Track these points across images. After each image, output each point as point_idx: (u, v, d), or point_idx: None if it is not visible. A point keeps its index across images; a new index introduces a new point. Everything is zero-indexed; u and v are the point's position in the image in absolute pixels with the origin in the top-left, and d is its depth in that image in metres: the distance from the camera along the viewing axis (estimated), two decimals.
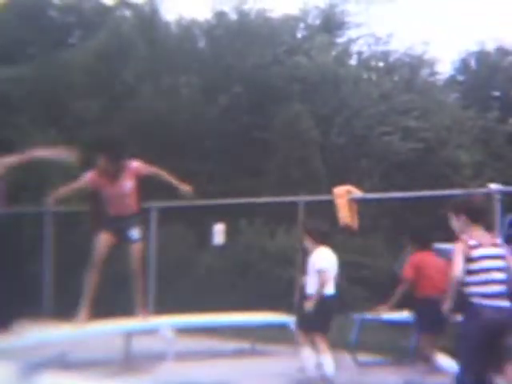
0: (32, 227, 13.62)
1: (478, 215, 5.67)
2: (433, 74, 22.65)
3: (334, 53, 20.65)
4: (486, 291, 5.33)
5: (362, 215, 10.69)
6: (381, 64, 21.73)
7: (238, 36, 19.79)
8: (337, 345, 8.52)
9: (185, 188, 8.00)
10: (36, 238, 13.12)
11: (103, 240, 7.76)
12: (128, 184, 7.67)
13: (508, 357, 5.42)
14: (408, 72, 20.79)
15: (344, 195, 10.22)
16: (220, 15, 20.82)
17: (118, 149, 7.75)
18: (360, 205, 10.62)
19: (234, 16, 20.88)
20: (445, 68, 25.10)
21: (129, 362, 8.48)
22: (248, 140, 17.74)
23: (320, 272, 7.51)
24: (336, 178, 13.10)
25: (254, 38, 19.70)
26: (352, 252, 12.90)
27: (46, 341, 7.63)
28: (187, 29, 21.08)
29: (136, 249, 7.85)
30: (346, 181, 11.33)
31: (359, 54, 22.11)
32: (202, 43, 21.16)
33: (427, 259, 7.57)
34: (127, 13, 22.72)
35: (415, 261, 7.58)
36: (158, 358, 8.47)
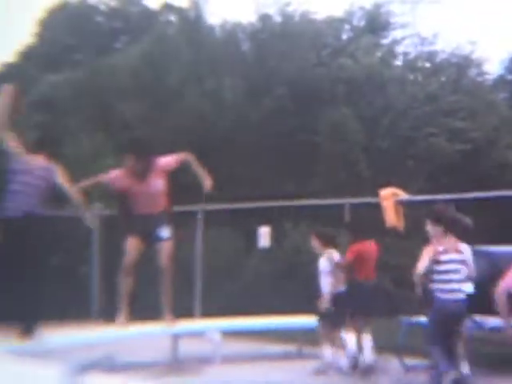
0: (80, 229, 13.78)
1: (453, 225, 6.89)
2: (481, 73, 22.29)
3: (379, 54, 20.51)
4: (447, 288, 6.71)
5: (408, 217, 10.57)
6: (427, 64, 21.48)
7: (282, 39, 19.78)
8: (384, 348, 8.46)
9: (207, 183, 7.79)
10: (84, 239, 13.28)
11: (132, 245, 7.57)
12: (157, 182, 7.49)
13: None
14: (455, 72, 20.52)
15: (390, 197, 10.13)
16: (264, 18, 20.84)
17: (145, 147, 7.61)
18: (406, 207, 10.51)
19: (278, 19, 20.88)
20: (493, 67, 24.68)
21: (176, 364, 8.51)
22: (293, 143, 17.71)
23: (333, 273, 8.21)
24: (381, 180, 12.98)
25: (298, 41, 19.67)
26: (398, 254, 12.77)
27: (94, 342, 7.69)
28: (231, 32, 21.15)
29: (165, 246, 7.55)
30: (392, 183, 11.22)
31: (405, 54, 21.90)
32: (246, 46, 21.21)
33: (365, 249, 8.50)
34: (172, 17, 22.91)
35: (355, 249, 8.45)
36: (204, 360, 8.49)
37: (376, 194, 10.43)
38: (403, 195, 10.40)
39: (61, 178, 7.15)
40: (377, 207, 10.21)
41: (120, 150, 8.24)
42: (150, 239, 7.59)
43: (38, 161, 7.03)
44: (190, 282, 11.62)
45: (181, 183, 16.11)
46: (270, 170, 17.46)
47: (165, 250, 7.56)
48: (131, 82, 18.80)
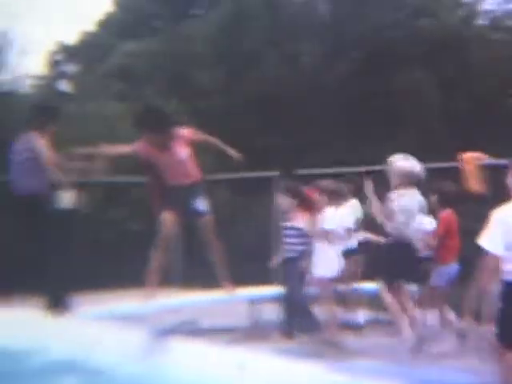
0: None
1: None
2: None
3: (460, 13, 19.97)
4: None
5: (491, 182, 10.33)
6: None
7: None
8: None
9: (235, 154, 7.43)
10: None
11: (168, 219, 7.32)
12: (181, 151, 7.19)
13: None
14: None
15: (472, 161, 9.90)
16: None
17: (159, 118, 7.23)
18: (489, 171, 10.26)
19: None
20: None
21: (253, 329, 8.61)
22: (369, 106, 17.49)
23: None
24: (460, 144, 12.70)
25: (377, 1, 19.34)
26: (481, 220, 12.52)
27: (175, 307, 7.85)
28: None
29: (205, 222, 7.40)
30: (472, 146, 10.96)
31: (488, 13, 21.23)
32: (323, 9, 20.96)
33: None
34: None
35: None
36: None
37: (453, 159, 10.20)
38: (485, 159, 10.14)
39: (40, 143, 7.06)
40: (454, 172, 10.00)
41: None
42: (186, 211, 7.40)
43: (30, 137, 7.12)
44: (267, 249, 11.69)
45: (257, 149, 16.17)
46: (345, 135, 17.32)
47: (205, 226, 7.44)
48: (208, 49, 18.87)
